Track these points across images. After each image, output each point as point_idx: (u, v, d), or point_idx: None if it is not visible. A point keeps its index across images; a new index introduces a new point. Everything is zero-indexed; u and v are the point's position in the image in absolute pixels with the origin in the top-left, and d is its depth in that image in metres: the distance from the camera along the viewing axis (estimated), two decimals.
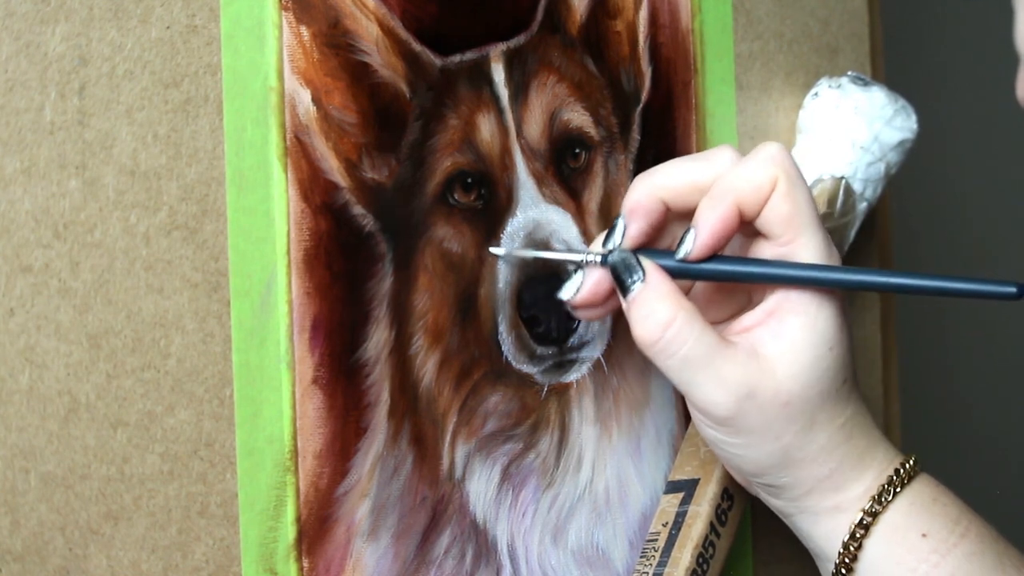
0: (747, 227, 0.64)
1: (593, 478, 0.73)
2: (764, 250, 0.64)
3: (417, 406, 0.67)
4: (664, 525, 0.72)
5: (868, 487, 0.64)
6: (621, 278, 0.63)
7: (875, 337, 0.89)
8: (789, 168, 0.63)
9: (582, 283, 0.65)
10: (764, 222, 0.63)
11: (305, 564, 0.63)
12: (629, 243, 0.64)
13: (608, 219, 0.73)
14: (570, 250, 0.69)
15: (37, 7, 0.57)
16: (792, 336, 0.62)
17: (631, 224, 0.64)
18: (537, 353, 0.70)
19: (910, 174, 0.84)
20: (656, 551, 0.71)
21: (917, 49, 1.42)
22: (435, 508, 0.68)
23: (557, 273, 0.69)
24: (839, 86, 0.81)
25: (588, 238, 0.72)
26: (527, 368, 0.70)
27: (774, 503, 0.66)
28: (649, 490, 0.75)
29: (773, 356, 0.62)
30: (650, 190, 0.64)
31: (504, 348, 0.70)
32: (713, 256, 0.63)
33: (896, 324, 0.93)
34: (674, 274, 0.64)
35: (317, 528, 0.64)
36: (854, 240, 0.82)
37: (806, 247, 0.63)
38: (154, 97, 0.60)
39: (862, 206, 0.81)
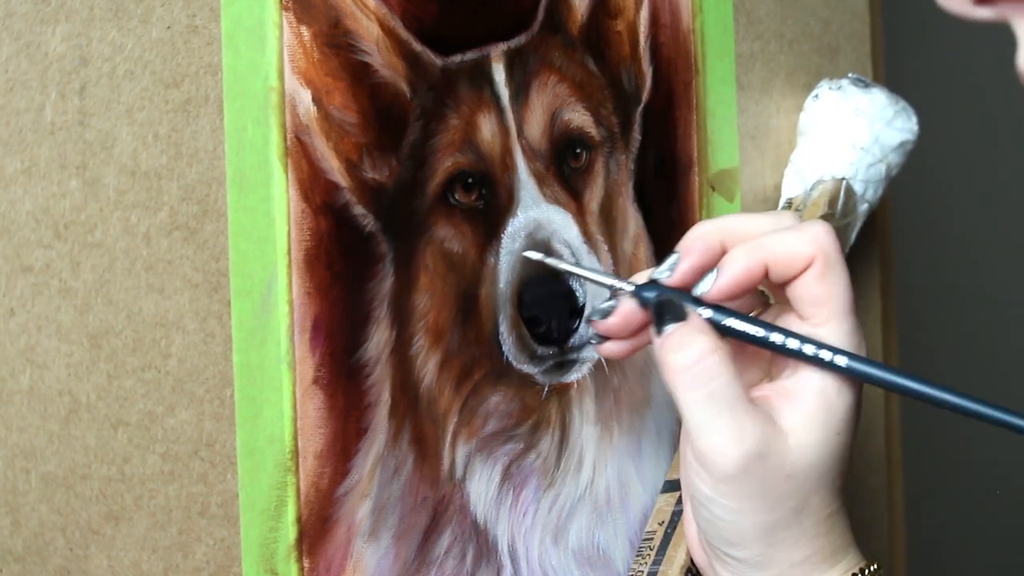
0: (779, 293, 0.64)
1: (594, 478, 0.73)
2: (792, 327, 0.63)
3: (418, 406, 0.67)
4: (660, 524, 0.72)
5: None
6: (661, 315, 0.62)
7: (875, 337, 0.89)
8: (830, 251, 0.62)
9: (614, 309, 0.64)
10: (796, 299, 0.63)
11: (306, 564, 0.63)
12: (678, 277, 0.63)
13: (609, 219, 0.73)
14: (603, 272, 0.69)
15: (37, 7, 0.57)
16: (808, 412, 0.62)
17: (684, 259, 0.63)
18: (538, 353, 0.70)
19: (909, 174, 0.84)
20: (652, 550, 0.71)
21: (917, 49, 1.41)
22: (436, 508, 0.68)
23: (558, 274, 0.69)
24: (840, 88, 0.81)
25: (588, 238, 0.72)
26: (528, 368, 0.70)
27: None
28: (650, 490, 0.75)
29: (786, 428, 0.62)
30: (714, 228, 0.63)
31: (505, 348, 0.70)
32: (749, 317, 0.63)
33: (896, 324, 0.93)
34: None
35: (318, 528, 0.64)
36: (855, 241, 0.82)
37: (835, 333, 0.62)
38: (155, 97, 0.60)
39: (863, 207, 0.81)
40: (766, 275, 0.62)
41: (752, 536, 0.62)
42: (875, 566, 0.65)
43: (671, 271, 0.63)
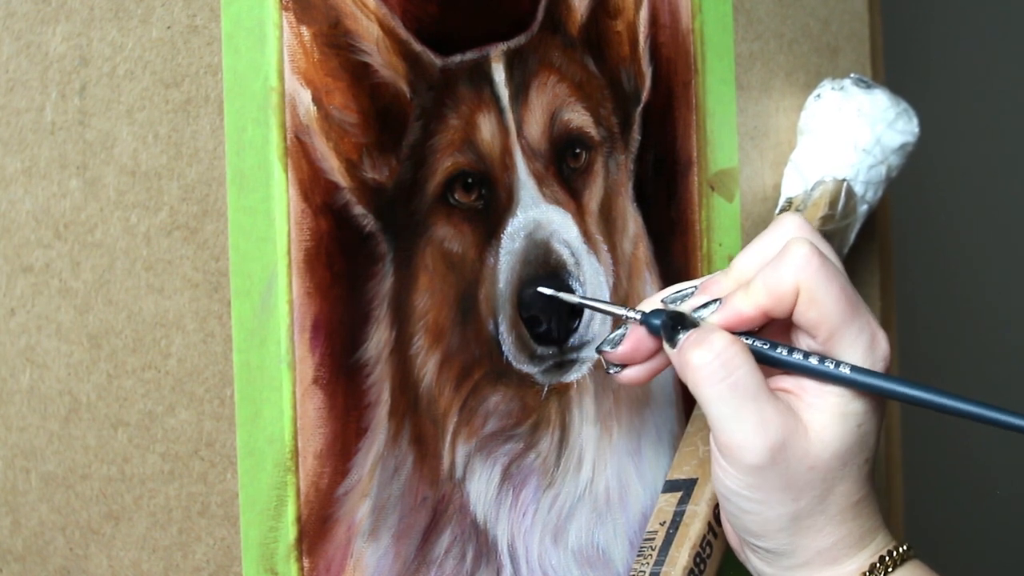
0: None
1: (593, 478, 0.73)
2: (802, 342, 0.64)
3: (418, 406, 0.67)
4: (662, 524, 0.72)
5: (860, 565, 0.64)
6: (673, 329, 0.64)
7: None
8: (812, 273, 0.62)
9: (623, 337, 0.66)
10: (798, 322, 0.64)
11: (306, 564, 0.63)
12: (688, 307, 0.65)
13: (608, 219, 0.74)
14: (610, 302, 0.71)
15: (38, 7, 0.57)
16: (826, 407, 0.63)
17: (699, 295, 0.65)
18: (537, 353, 0.70)
19: (909, 175, 0.84)
20: (653, 550, 0.71)
21: (917, 49, 1.42)
22: (435, 508, 0.68)
23: (557, 273, 0.69)
24: (842, 88, 0.81)
25: (588, 238, 0.72)
26: (527, 368, 0.70)
27: (765, 571, 0.66)
28: (649, 490, 0.75)
29: (807, 420, 0.63)
30: (731, 282, 0.65)
31: (504, 348, 0.70)
32: (759, 335, 0.64)
33: (896, 324, 0.93)
34: None
35: (318, 528, 0.64)
36: (854, 242, 0.82)
37: (841, 345, 0.63)
38: (155, 97, 0.60)
39: (863, 208, 0.81)
40: (768, 317, 0.63)
41: (777, 527, 0.63)
42: (904, 547, 0.65)
43: (682, 300, 0.65)
